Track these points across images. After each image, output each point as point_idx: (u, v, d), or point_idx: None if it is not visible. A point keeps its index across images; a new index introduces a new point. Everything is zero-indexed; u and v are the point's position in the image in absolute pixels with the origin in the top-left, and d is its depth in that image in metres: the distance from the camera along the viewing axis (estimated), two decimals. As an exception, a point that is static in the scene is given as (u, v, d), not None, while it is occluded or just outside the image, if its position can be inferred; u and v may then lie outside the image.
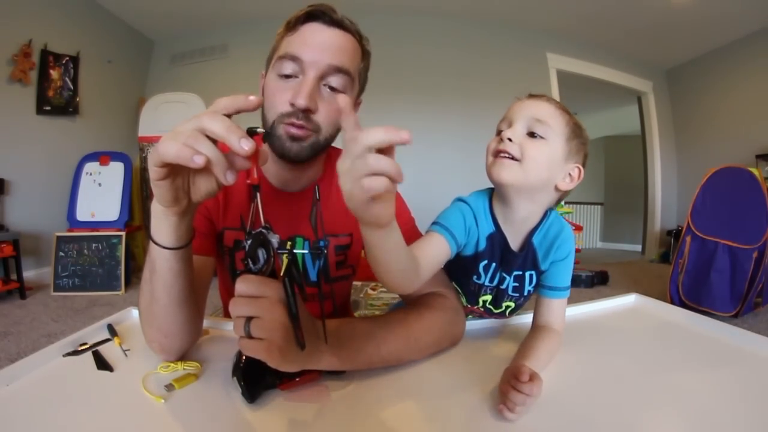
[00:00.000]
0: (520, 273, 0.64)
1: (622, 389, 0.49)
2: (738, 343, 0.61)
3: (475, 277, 0.65)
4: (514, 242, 0.62)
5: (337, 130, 0.62)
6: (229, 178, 0.35)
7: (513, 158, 0.55)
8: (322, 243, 0.36)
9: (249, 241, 0.37)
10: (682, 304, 2.28)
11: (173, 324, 0.48)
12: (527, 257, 0.62)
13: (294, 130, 0.57)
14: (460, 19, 3.72)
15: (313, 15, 0.57)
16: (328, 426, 0.41)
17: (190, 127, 0.34)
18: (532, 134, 0.56)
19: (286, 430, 0.41)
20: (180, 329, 0.49)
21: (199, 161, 0.33)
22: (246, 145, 0.33)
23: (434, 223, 0.61)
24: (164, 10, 3.41)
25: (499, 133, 0.59)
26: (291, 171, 0.64)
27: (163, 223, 0.42)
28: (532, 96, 0.60)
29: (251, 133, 0.36)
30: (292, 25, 0.58)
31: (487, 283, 0.65)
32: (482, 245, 0.62)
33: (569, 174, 0.59)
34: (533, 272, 0.64)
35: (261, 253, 0.38)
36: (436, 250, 0.57)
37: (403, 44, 3.59)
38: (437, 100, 3.67)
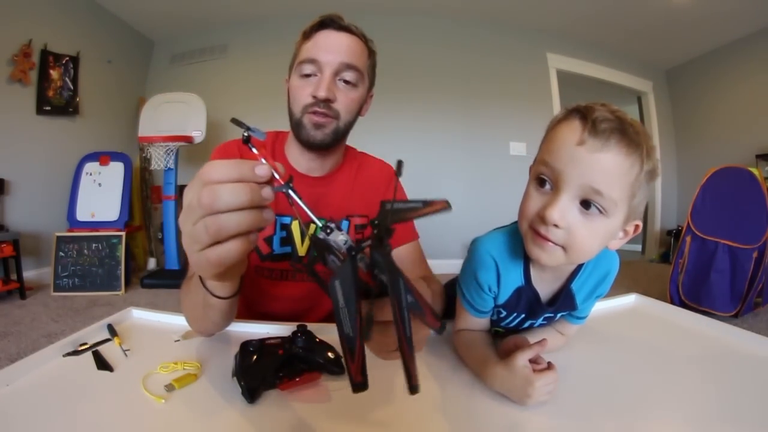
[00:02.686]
0: (552, 315, 0.57)
1: (622, 389, 0.49)
2: (738, 343, 0.61)
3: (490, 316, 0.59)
4: (547, 291, 0.53)
5: (354, 117, 0.73)
6: (268, 217, 0.31)
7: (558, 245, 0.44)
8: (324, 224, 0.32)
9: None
10: (682, 304, 2.28)
11: (219, 327, 0.60)
12: (563, 303, 0.53)
13: (317, 119, 0.67)
14: (460, 19, 3.72)
15: (324, 23, 0.68)
16: (328, 426, 0.41)
17: (200, 218, 0.29)
18: (586, 203, 0.42)
19: (286, 430, 0.41)
20: (223, 327, 0.61)
21: (254, 238, 0.31)
22: (260, 171, 0.30)
23: (462, 295, 0.56)
24: (164, 10, 3.41)
25: (539, 180, 0.45)
26: (315, 159, 0.74)
27: (223, 287, 0.46)
28: (593, 129, 0.40)
29: (236, 122, 0.32)
30: (308, 34, 0.69)
31: (502, 326, 0.60)
32: (504, 298, 0.54)
33: (624, 230, 0.46)
34: (567, 312, 0.56)
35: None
36: (479, 324, 0.58)
37: (403, 44, 3.59)
38: (437, 99, 3.67)
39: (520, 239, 0.49)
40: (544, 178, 0.45)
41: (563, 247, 0.44)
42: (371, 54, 0.73)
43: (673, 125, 4.49)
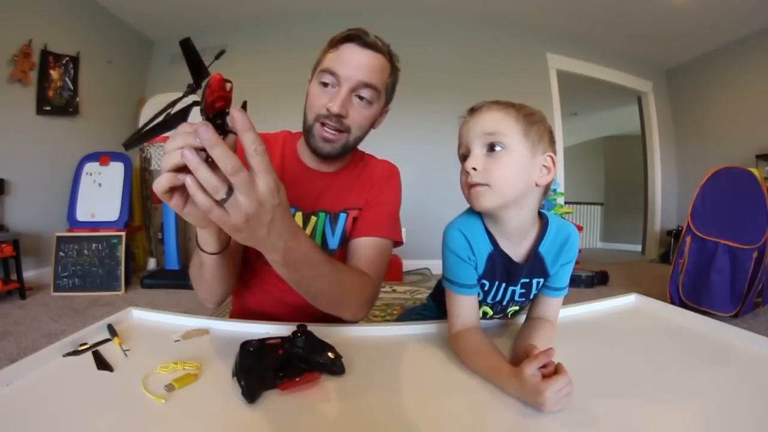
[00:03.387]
0: (527, 281, 0.63)
1: (621, 389, 0.49)
2: (738, 343, 0.61)
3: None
4: (517, 254, 0.61)
5: (365, 132, 0.75)
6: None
7: (483, 185, 0.55)
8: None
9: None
10: (682, 304, 2.28)
11: (214, 291, 0.64)
12: (534, 266, 0.61)
13: (326, 134, 0.70)
14: (460, 19, 3.72)
15: (350, 37, 0.69)
16: (328, 426, 0.41)
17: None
18: (492, 148, 0.55)
19: (286, 430, 0.41)
20: (219, 292, 0.65)
21: (182, 178, 0.39)
22: (205, 134, 0.35)
23: (447, 280, 0.61)
24: (164, 10, 3.41)
25: (462, 158, 0.58)
26: (323, 162, 0.77)
27: (207, 238, 0.52)
28: (472, 110, 0.58)
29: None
30: (334, 44, 0.70)
31: (489, 301, 0.65)
32: (481, 268, 0.61)
33: (543, 166, 0.57)
34: (541, 279, 0.63)
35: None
36: (469, 308, 0.60)
37: (403, 44, 3.56)
38: (437, 99, 3.67)
39: (476, 214, 0.60)
40: (464, 153, 0.58)
41: (488, 185, 0.54)
42: (393, 71, 0.75)
43: (673, 125, 4.49)
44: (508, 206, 0.56)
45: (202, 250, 0.55)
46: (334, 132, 0.69)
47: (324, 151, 0.71)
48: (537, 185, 0.57)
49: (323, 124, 0.69)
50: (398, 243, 0.80)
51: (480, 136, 0.55)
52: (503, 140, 0.54)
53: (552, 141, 0.58)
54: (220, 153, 0.35)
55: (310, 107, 0.71)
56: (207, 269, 0.58)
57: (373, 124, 0.76)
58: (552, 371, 0.45)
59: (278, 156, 0.78)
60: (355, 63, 0.68)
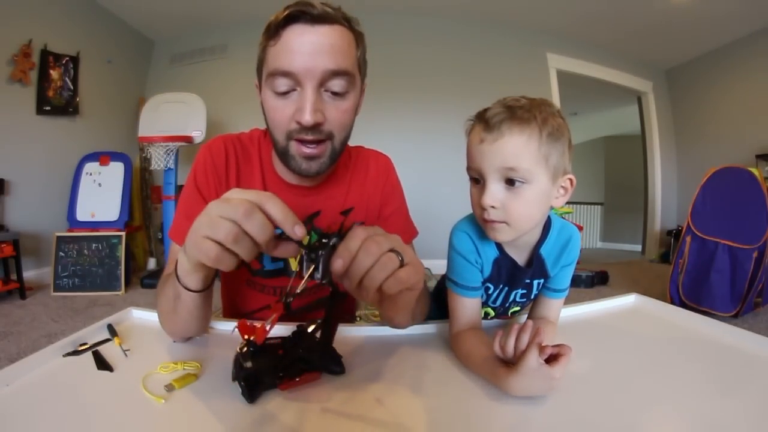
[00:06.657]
0: (529, 282, 0.63)
1: (621, 389, 0.49)
2: (738, 343, 0.61)
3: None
4: (521, 258, 0.61)
5: (350, 128, 0.61)
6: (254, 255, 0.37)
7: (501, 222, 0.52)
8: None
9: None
10: (682, 304, 2.28)
11: (186, 329, 0.57)
12: (536, 269, 0.61)
13: (308, 150, 0.56)
14: (460, 19, 3.72)
15: (292, 17, 0.51)
16: (328, 426, 0.41)
17: (245, 204, 0.35)
18: (509, 181, 0.50)
19: (286, 430, 0.41)
20: (191, 331, 0.58)
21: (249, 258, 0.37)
22: (299, 231, 0.36)
23: (452, 281, 0.60)
24: (164, 10, 3.41)
25: (474, 180, 0.55)
26: (306, 178, 0.64)
27: (193, 277, 0.47)
28: (487, 125, 0.50)
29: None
30: (273, 32, 0.52)
31: (491, 304, 0.66)
32: (487, 271, 0.60)
33: (561, 187, 0.55)
34: (542, 279, 0.63)
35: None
36: (471, 310, 0.60)
37: (403, 44, 3.59)
38: (437, 100, 3.68)
39: None
40: (475, 177, 0.54)
41: (506, 223, 0.52)
42: (359, 40, 0.57)
43: (673, 125, 4.49)
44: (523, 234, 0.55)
45: (184, 287, 0.48)
46: (314, 145, 0.55)
47: (311, 171, 0.58)
48: (552, 207, 0.55)
49: (300, 141, 0.55)
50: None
51: (498, 169, 0.50)
52: (525, 175, 0.49)
53: (571, 147, 0.53)
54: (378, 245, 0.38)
55: (274, 125, 0.56)
56: (184, 306, 0.50)
57: (356, 113, 0.62)
58: (555, 354, 0.44)
59: (257, 163, 0.67)
60: (309, 48, 0.50)
